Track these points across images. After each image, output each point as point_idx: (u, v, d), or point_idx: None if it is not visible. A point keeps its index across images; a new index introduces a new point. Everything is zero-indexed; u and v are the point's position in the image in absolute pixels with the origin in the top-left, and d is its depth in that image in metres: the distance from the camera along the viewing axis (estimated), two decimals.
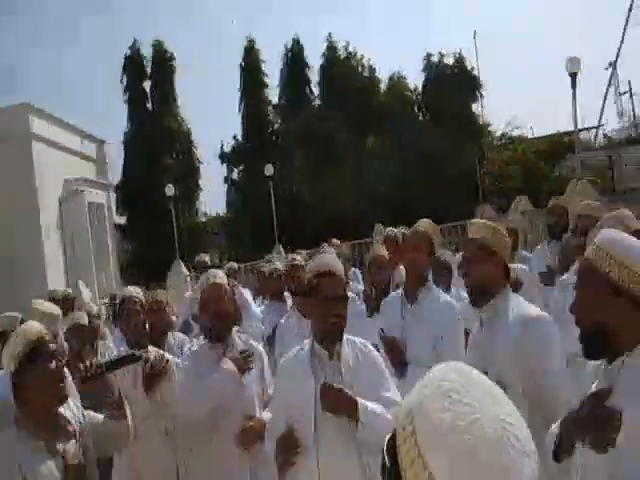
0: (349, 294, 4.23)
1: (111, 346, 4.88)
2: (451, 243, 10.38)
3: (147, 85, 22.31)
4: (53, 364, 2.08)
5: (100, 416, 2.29)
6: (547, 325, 2.24)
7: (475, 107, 23.55)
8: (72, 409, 2.21)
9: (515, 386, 2.06)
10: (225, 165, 23.09)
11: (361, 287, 5.15)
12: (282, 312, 4.46)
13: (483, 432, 0.70)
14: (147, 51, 22.37)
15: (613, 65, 25.99)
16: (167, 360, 3.23)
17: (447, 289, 3.84)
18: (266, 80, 23.46)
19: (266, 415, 2.78)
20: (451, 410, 0.71)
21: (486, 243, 2.31)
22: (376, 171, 20.11)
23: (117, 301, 3.67)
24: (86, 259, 15.19)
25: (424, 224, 3.19)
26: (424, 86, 23.28)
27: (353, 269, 6.05)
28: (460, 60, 23.15)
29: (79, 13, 62.09)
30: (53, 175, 14.82)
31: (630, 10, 26.24)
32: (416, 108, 23.82)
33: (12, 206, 13.50)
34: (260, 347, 3.12)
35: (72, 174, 15.71)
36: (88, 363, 2.23)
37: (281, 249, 10.48)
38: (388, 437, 0.79)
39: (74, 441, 2.12)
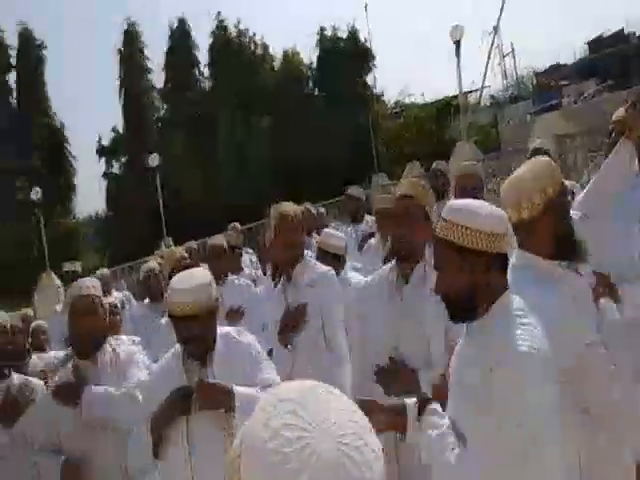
0: (241, 281, 4.18)
1: None
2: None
3: (12, 77, 20.52)
4: None
5: None
6: None
7: (369, 78, 24.16)
8: None
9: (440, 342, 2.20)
10: (104, 160, 21.95)
11: (256, 272, 5.07)
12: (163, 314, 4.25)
13: (314, 459, 0.65)
14: (12, 40, 20.54)
15: (495, 29, 27.69)
16: (32, 389, 3.06)
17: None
18: (149, 65, 22.44)
19: None
20: (280, 436, 0.66)
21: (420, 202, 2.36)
22: (267, 152, 20.00)
23: None
24: None
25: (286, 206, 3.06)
26: (318, 61, 23.41)
27: (247, 255, 5.87)
28: (353, 33, 23.63)
29: None
30: None
31: None
32: (311, 83, 23.94)
33: None
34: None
35: None
36: None
37: (170, 242, 10.04)
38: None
39: None
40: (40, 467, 2.81)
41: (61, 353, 4.24)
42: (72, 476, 2.55)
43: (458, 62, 11.60)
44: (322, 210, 5.99)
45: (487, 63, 27.03)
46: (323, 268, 2.92)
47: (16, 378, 3.26)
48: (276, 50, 23.90)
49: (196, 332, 2.12)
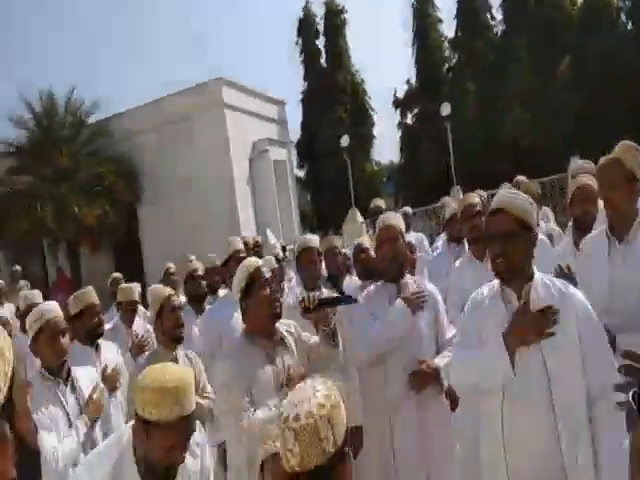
0: (540, 235, 3.95)
1: (294, 286, 5.29)
2: None
3: (320, 42, 22.64)
4: (267, 290, 2.47)
5: (315, 338, 2.61)
6: None
7: None
8: (289, 328, 2.62)
9: None
10: (399, 111, 22.63)
11: (552, 226, 4.72)
12: (459, 255, 4.22)
13: None
14: (319, 10, 22.58)
15: None
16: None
17: None
18: (440, 15, 22.01)
19: (441, 360, 2.82)
20: None
21: None
22: (563, 101, 17.64)
23: (296, 249, 3.96)
24: (271, 209, 16.49)
25: (623, 150, 2.56)
26: None
27: (543, 208, 5.49)
28: None
29: None
30: (243, 138, 16.13)
31: None
32: (623, 16, 19.64)
33: (210, 166, 15.14)
34: (434, 289, 3.06)
35: (258, 135, 16.91)
36: (310, 296, 2.51)
37: (459, 190, 9.93)
38: None
39: (290, 353, 2.50)
40: None
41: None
42: None
43: None
44: None
45: None
46: None
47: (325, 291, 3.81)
48: None
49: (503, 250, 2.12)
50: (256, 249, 5.73)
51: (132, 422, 1.82)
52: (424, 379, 2.77)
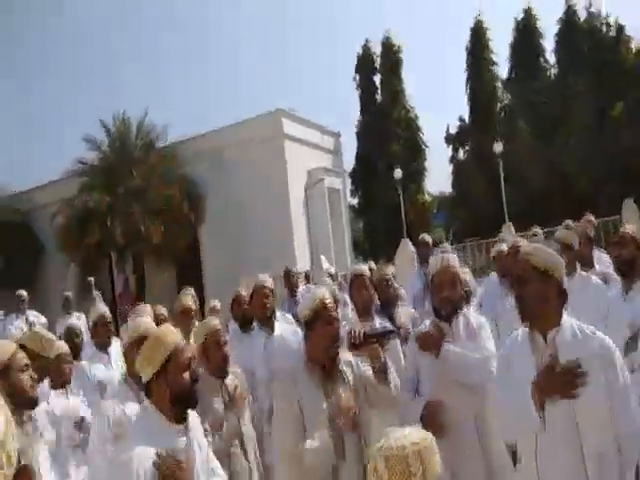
0: (593, 278, 3.76)
1: (349, 313, 5.25)
2: None
3: (377, 78, 22.97)
4: (331, 327, 2.40)
5: (372, 377, 2.53)
6: None
7: None
8: (351, 363, 2.53)
9: None
10: (451, 146, 22.67)
11: (606, 269, 4.48)
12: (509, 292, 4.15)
13: None
14: (377, 48, 22.98)
15: None
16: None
17: None
18: (494, 58, 22.11)
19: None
20: None
21: None
22: (621, 143, 17.06)
23: (348, 277, 3.94)
24: (325, 236, 16.58)
25: None
26: None
27: (595, 250, 5.23)
28: None
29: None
30: (299, 166, 16.39)
31: None
32: None
33: (268, 192, 15.45)
34: (483, 320, 2.91)
35: (314, 164, 17.13)
36: (357, 331, 2.49)
37: (511, 227, 9.68)
38: None
39: (347, 388, 2.43)
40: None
41: (410, 308, 4.63)
42: (432, 415, 2.61)
43: None
44: None
45: None
46: None
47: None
48: (632, 30, 19.68)
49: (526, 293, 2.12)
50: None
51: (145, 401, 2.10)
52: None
